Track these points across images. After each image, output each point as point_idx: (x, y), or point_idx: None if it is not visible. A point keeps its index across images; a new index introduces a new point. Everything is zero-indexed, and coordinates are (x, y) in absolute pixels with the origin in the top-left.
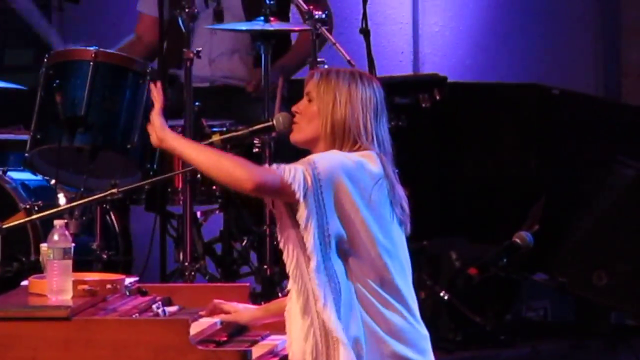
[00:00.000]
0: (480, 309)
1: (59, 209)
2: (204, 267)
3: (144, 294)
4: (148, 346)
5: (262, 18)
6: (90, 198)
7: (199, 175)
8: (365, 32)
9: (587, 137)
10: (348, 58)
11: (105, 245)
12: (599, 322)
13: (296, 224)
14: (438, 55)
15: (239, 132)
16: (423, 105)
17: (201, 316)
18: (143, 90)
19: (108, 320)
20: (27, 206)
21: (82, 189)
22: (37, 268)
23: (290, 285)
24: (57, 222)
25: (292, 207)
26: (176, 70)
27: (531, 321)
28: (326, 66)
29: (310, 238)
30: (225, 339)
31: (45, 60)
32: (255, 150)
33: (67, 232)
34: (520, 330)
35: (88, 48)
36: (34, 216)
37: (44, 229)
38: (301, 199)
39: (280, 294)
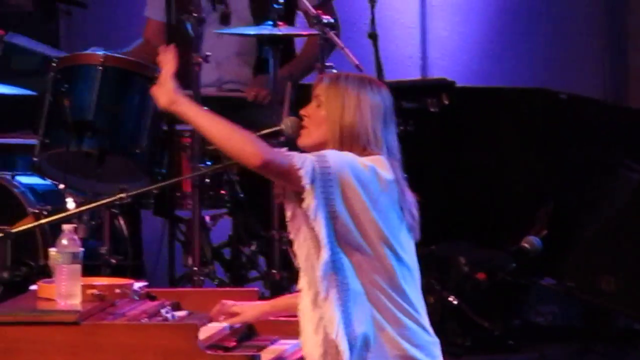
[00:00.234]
0: (488, 314)
1: (68, 213)
2: (212, 272)
3: (152, 298)
4: (156, 351)
5: (270, 22)
6: (99, 202)
7: (207, 180)
8: (374, 37)
9: (594, 141)
10: (356, 62)
11: (113, 249)
12: (606, 326)
13: (307, 215)
14: (446, 59)
15: None
16: (431, 109)
17: (209, 318)
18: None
19: (116, 325)
20: (36, 211)
21: (90, 194)
22: (45, 272)
23: (301, 277)
24: (66, 227)
25: (301, 197)
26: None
27: (539, 326)
28: (335, 71)
29: (321, 229)
30: (234, 344)
31: (54, 64)
32: None
33: (75, 237)
34: (528, 335)
35: (96, 52)
36: (43, 221)
37: (53, 233)
38: (307, 186)
39: None
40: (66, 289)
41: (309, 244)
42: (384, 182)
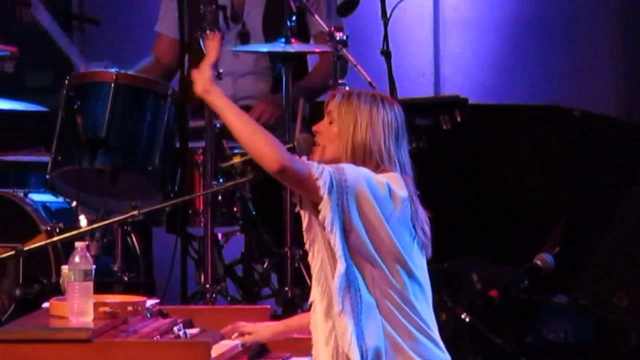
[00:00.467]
0: (501, 331)
1: (80, 230)
2: (225, 289)
3: (164, 316)
4: None
5: (282, 40)
6: (111, 220)
7: (219, 197)
8: (387, 54)
9: (608, 158)
10: (369, 79)
11: (126, 267)
12: (619, 343)
13: (322, 226)
14: (459, 76)
15: None
16: (444, 126)
17: (222, 335)
18: (164, 111)
19: (129, 343)
20: (48, 228)
21: (102, 211)
22: (58, 290)
23: (314, 287)
24: (78, 244)
25: (318, 208)
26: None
27: (552, 343)
28: (347, 87)
29: (336, 241)
30: None
31: (66, 82)
32: None
33: (88, 254)
34: (541, 352)
35: (109, 70)
36: (55, 238)
37: (65, 250)
38: (325, 196)
39: None
40: (78, 306)
41: (324, 255)
42: (398, 199)
